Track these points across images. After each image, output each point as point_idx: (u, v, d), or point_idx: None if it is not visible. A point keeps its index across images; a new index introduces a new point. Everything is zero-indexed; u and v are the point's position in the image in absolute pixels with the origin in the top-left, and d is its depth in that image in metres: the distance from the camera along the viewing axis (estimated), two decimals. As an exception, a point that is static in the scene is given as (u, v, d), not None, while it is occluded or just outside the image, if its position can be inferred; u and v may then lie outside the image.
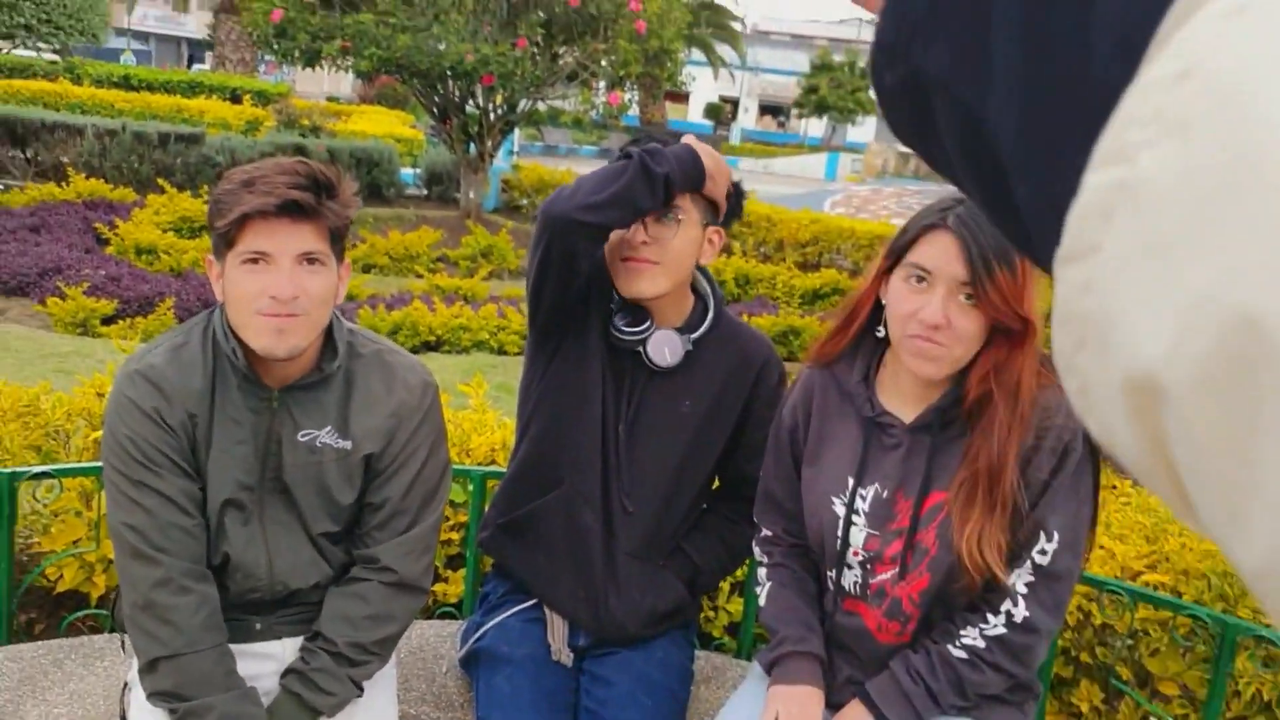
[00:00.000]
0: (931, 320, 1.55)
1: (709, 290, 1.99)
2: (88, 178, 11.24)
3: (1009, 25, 0.33)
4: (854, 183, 24.82)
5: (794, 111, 45.40)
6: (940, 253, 1.57)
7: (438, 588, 2.73)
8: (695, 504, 2.02)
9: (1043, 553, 1.61)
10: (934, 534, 1.65)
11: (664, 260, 1.83)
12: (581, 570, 1.92)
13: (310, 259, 1.58)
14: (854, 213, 15.79)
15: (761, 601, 1.84)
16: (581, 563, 1.92)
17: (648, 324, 1.89)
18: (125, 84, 21.60)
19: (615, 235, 1.82)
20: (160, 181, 11.33)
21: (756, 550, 1.90)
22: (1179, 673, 2.34)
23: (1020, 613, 1.62)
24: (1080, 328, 0.29)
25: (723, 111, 47.88)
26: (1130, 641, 2.35)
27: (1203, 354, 0.25)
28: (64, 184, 10.94)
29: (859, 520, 1.71)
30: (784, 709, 1.70)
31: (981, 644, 1.64)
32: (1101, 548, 2.46)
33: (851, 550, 1.72)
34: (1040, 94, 0.33)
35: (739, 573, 2.65)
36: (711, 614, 2.64)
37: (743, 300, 10.30)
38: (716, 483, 2.09)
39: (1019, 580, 1.62)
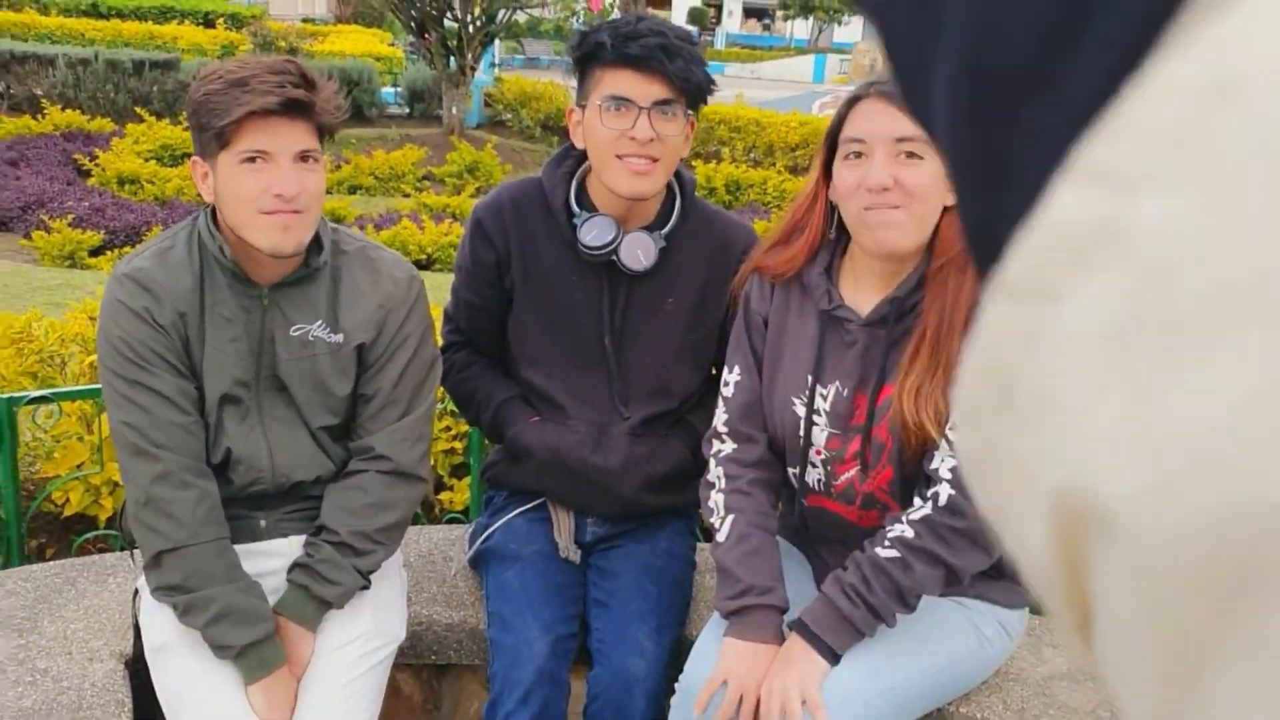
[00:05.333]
0: (877, 183, 1.52)
1: (676, 182, 1.94)
2: (63, 109, 11.07)
3: None
4: (842, 84, 24.49)
5: (779, 13, 44.54)
6: (871, 118, 1.55)
7: (444, 495, 2.76)
8: (696, 392, 2.03)
9: (955, 428, 1.58)
10: (886, 427, 1.62)
11: (664, 156, 1.80)
12: (582, 473, 1.94)
13: (306, 156, 1.60)
14: (843, 113, 15.60)
15: (721, 537, 1.71)
16: (581, 468, 1.94)
17: (615, 233, 1.86)
18: (94, 12, 21.12)
19: (607, 132, 1.77)
20: (138, 110, 11.16)
21: (716, 470, 1.77)
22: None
23: (945, 493, 1.56)
24: (1007, 386, 0.21)
25: (706, 16, 46.95)
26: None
27: (1195, 524, 0.17)
28: (40, 116, 10.78)
29: (820, 420, 1.68)
30: (735, 668, 1.61)
31: (909, 532, 1.56)
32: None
33: (814, 450, 1.70)
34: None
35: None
36: (713, 509, 2.68)
37: (734, 207, 10.23)
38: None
39: (941, 464, 1.58)
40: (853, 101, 1.59)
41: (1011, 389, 0.21)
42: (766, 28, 53.37)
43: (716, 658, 1.66)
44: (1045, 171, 0.21)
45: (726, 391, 1.79)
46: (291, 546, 1.78)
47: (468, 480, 2.74)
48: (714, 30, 46.88)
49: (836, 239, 1.70)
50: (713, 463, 1.79)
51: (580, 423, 1.94)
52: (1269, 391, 0.16)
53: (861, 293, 1.66)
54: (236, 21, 20.46)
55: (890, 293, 1.62)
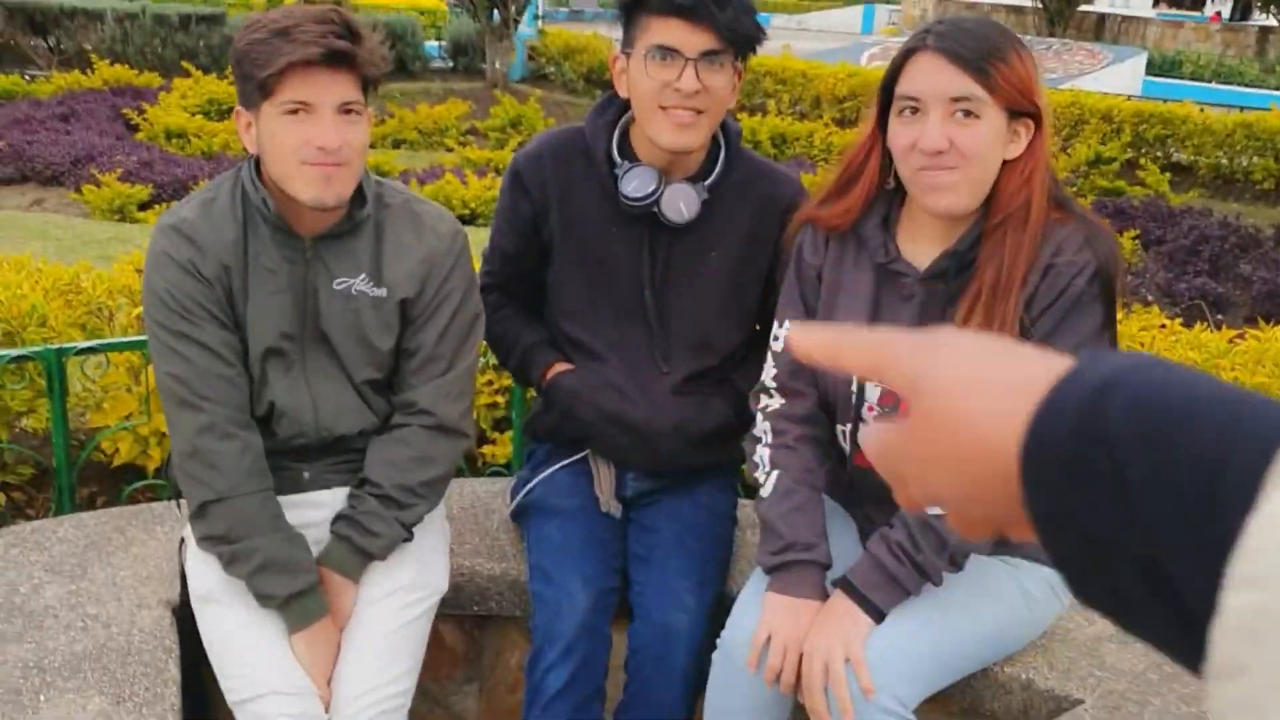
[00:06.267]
0: (932, 146, 1.49)
1: (721, 133, 1.90)
2: (112, 64, 11.15)
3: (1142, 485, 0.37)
4: (891, 35, 24.02)
5: (828, -38, 43.69)
6: (926, 74, 1.50)
7: (486, 449, 2.77)
8: (739, 348, 2.00)
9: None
10: None
11: (710, 108, 1.76)
12: (624, 427, 1.93)
13: (349, 108, 1.59)
14: (892, 65, 15.29)
15: (765, 492, 1.70)
16: (623, 422, 1.92)
17: (657, 184, 1.83)
18: (141, -34, 21.19)
19: (651, 83, 1.74)
20: (185, 64, 11.22)
21: (764, 425, 1.75)
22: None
23: None
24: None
25: (753, -34, 46.16)
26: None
27: None
28: (89, 71, 10.88)
29: None
30: (778, 624, 1.60)
31: None
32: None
33: (866, 405, 1.67)
34: (1172, 527, 0.36)
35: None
36: (756, 465, 2.66)
37: (780, 160, 10.12)
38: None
39: None
40: (908, 53, 1.54)
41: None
42: (815, -22, 52.40)
43: (758, 613, 1.65)
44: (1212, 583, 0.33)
45: (776, 346, 1.77)
46: (335, 498, 1.80)
47: (510, 434, 2.74)
48: (761, -19, 46.17)
49: (894, 190, 1.66)
50: (760, 417, 1.77)
51: (619, 375, 1.93)
52: None
53: (919, 246, 1.63)
54: (281, -26, 20.45)
55: (950, 246, 1.59)
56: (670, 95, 1.74)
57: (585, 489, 1.99)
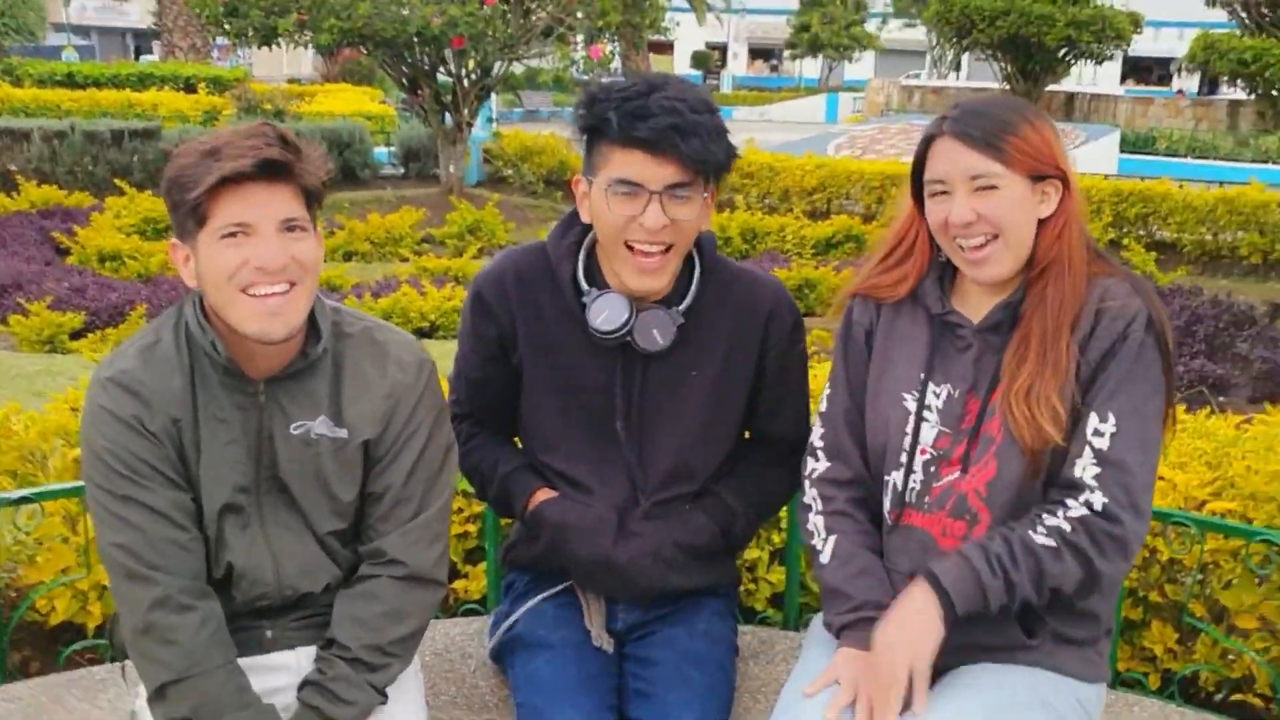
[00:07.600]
0: (960, 220, 1.65)
1: (694, 247, 1.88)
2: (39, 185, 11.22)
3: None
4: (856, 123, 24.67)
5: (786, 53, 45.12)
6: (946, 158, 1.68)
7: (458, 584, 2.72)
8: (720, 468, 1.99)
9: (1098, 434, 1.61)
10: (998, 423, 1.67)
11: (678, 240, 1.76)
12: (604, 563, 1.89)
13: (292, 225, 1.55)
14: (860, 154, 15.73)
15: (824, 558, 1.76)
16: (603, 558, 1.88)
17: (629, 314, 1.81)
18: (70, 82, 21.55)
19: (614, 218, 1.73)
20: (118, 182, 11.31)
21: (811, 492, 1.82)
22: (1255, 604, 2.32)
23: (1098, 499, 1.60)
24: None
25: (711, 59, 47.56)
26: (1200, 576, 2.33)
27: None
28: (14, 194, 10.91)
29: (930, 416, 1.74)
30: (847, 675, 1.64)
31: (1066, 525, 1.61)
32: (1161, 479, 2.44)
33: (920, 449, 1.74)
34: None
35: (777, 539, 2.63)
36: (753, 586, 2.63)
37: (751, 256, 10.27)
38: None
39: (1085, 472, 1.62)
40: (928, 141, 1.71)
41: None
42: (774, 69, 54.00)
43: (818, 671, 1.69)
44: None
45: (823, 407, 1.85)
46: (299, 659, 1.73)
47: (483, 566, 2.69)
48: (719, 74, 47.46)
49: (946, 261, 1.78)
50: (807, 484, 1.85)
51: (598, 505, 1.91)
52: None
53: (972, 301, 1.76)
54: (219, 85, 20.79)
55: (1004, 298, 1.72)
56: (635, 230, 1.73)
57: (574, 621, 1.95)
